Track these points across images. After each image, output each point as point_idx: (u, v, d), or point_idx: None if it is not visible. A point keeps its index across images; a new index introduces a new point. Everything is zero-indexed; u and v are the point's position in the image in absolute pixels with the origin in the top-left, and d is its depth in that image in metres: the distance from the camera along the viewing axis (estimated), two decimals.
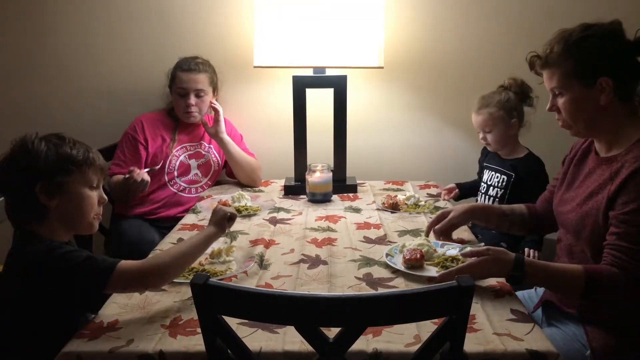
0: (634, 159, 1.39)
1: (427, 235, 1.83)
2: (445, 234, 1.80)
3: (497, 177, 2.25)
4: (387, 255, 1.64)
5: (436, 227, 1.80)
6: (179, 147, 2.50)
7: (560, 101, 1.52)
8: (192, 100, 2.44)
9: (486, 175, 2.32)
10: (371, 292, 1.45)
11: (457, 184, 2.42)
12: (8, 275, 1.34)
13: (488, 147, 2.31)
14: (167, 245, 1.80)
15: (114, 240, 2.39)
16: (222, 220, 1.54)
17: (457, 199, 2.39)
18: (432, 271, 1.55)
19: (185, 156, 2.51)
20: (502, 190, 2.22)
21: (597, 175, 1.50)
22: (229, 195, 2.27)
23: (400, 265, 1.58)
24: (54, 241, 1.33)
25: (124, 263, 1.31)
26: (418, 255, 1.57)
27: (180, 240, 1.85)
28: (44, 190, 1.34)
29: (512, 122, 2.19)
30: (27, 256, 1.29)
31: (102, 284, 1.27)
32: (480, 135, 2.28)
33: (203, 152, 2.55)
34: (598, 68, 1.45)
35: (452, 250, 1.67)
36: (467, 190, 2.40)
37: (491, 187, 2.26)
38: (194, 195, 2.49)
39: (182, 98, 2.44)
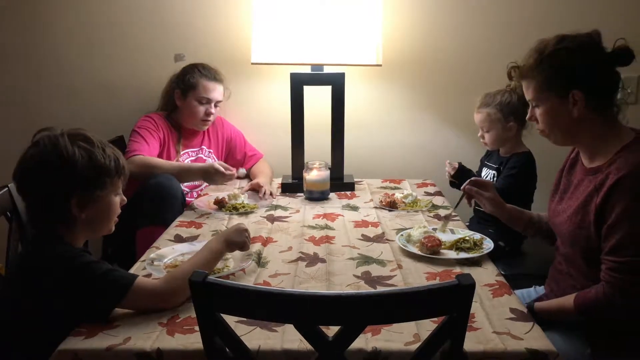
0: (616, 170, 1.40)
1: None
2: (474, 194, 1.79)
3: (491, 173, 2.26)
4: (404, 245, 1.72)
5: (471, 187, 1.80)
6: (182, 153, 2.51)
7: (538, 112, 1.54)
8: (213, 109, 2.46)
9: (484, 172, 2.32)
10: (370, 290, 1.45)
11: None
12: (18, 274, 1.32)
13: (484, 145, 2.30)
14: (165, 242, 1.79)
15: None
16: (235, 247, 1.54)
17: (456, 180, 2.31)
18: (451, 254, 1.67)
19: (187, 162, 2.50)
20: None
21: (584, 186, 1.50)
22: (225, 193, 2.26)
23: (418, 252, 1.67)
24: (74, 248, 1.32)
25: (142, 280, 1.31)
26: (438, 242, 1.67)
27: (177, 236, 1.85)
28: (78, 203, 1.32)
29: (509, 125, 2.17)
30: (47, 260, 1.27)
31: (117, 300, 1.27)
32: (479, 133, 2.27)
33: (204, 157, 2.56)
34: (570, 81, 1.45)
35: (452, 235, 1.81)
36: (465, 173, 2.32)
37: None
38: (194, 198, 2.48)
39: (202, 105, 2.44)
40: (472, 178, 1.85)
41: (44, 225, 1.34)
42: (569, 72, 1.46)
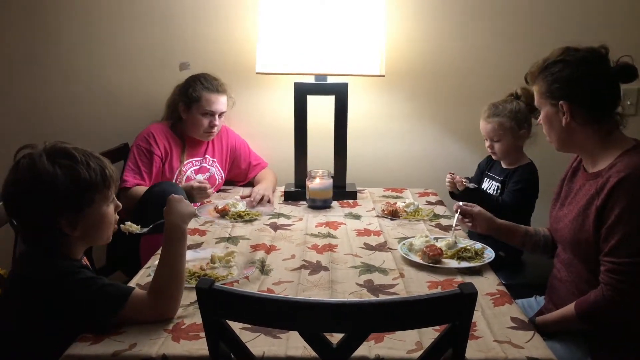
0: (616, 173, 1.42)
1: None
2: (464, 214, 1.85)
3: (495, 185, 2.26)
4: (406, 254, 1.73)
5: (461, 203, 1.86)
6: (186, 163, 2.53)
7: (540, 116, 1.60)
8: (217, 120, 2.48)
9: (486, 183, 2.33)
10: (373, 298, 1.46)
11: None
12: (17, 283, 1.32)
13: (493, 156, 2.27)
14: None
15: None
16: (191, 217, 1.45)
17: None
18: (452, 263, 1.68)
19: (192, 171, 2.53)
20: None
21: (585, 191, 1.52)
22: (224, 201, 2.27)
23: (420, 261, 1.69)
24: (72, 263, 1.31)
25: (136, 295, 1.29)
26: (439, 251, 1.69)
27: None
28: (68, 223, 1.29)
29: (520, 132, 2.16)
30: (43, 274, 1.27)
31: (111, 315, 1.26)
32: (487, 143, 2.24)
33: (208, 167, 2.58)
34: (559, 92, 1.50)
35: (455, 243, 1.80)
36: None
37: None
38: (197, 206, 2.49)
39: (206, 117, 2.46)
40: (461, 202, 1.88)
41: (38, 243, 1.32)
42: (561, 83, 1.50)
